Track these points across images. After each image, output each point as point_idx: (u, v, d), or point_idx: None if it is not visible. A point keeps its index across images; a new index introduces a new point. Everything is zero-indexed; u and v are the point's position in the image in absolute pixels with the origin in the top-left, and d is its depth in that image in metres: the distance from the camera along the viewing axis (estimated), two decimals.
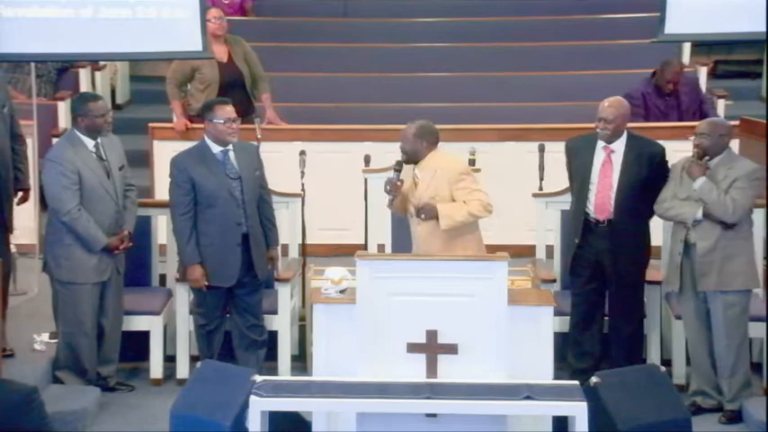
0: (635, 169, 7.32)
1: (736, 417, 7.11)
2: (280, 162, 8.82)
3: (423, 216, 7.05)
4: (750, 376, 7.22)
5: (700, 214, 7.04)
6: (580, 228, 7.42)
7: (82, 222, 7.22)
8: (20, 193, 7.89)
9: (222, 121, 7.32)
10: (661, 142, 7.58)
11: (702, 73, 10.96)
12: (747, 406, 7.09)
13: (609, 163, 7.36)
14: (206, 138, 7.40)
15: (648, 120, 9.78)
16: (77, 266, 7.28)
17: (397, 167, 7.23)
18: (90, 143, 7.33)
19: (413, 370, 6.05)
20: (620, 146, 7.36)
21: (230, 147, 7.38)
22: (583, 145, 7.49)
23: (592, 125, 7.52)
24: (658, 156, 7.37)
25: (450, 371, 6.04)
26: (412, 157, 7.18)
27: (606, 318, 7.52)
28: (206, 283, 7.33)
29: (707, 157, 7.09)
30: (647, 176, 7.31)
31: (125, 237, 7.40)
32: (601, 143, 7.39)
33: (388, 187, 7.21)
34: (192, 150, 7.44)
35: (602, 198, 7.35)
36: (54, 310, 7.46)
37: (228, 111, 7.36)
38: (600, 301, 7.48)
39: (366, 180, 8.45)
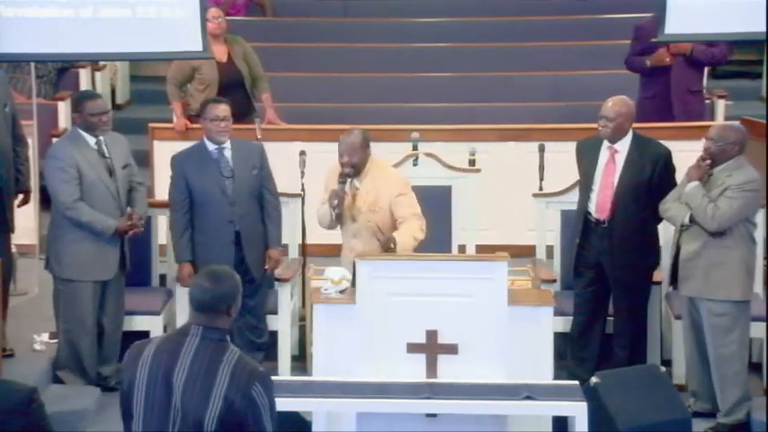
0: (637, 170, 7.27)
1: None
2: (280, 162, 8.80)
3: (392, 246, 6.94)
4: (748, 389, 7.01)
5: (687, 219, 6.96)
6: (580, 227, 7.41)
7: (85, 211, 7.21)
8: (20, 195, 7.88)
9: (209, 119, 7.36)
10: (664, 142, 7.56)
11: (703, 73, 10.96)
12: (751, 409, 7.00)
13: (612, 163, 7.33)
14: (204, 136, 7.48)
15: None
16: (79, 264, 7.28)
17: (342, 180, 7.17)
18: (91, 140, 7.33)
19: (413, 370, 6.04)
20: (624, 146, 7.32)
21: (227, 145, 7.42)
22: (590, 145, 7.46)
23: (592, 125, 7.51)
24: (663, 158, 7.30)
25: (451, 371, 6.03)
26: (360, 168, 7.14)
27: (610, 318, 7.49)
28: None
29: (708, 162, 6.93)
30: (649, 178, 7.27)
31: (133, 215, 7.31)
32: (606, 143, 7.35)
33: (335, 201, 7.13)
34: (190, 149, 7.54)
35: (603, 198, 7.32)
36: (55, 308, 7.46)
37: (221, 109, 7.39)
38: (603, 303, 7.45)
39: None
